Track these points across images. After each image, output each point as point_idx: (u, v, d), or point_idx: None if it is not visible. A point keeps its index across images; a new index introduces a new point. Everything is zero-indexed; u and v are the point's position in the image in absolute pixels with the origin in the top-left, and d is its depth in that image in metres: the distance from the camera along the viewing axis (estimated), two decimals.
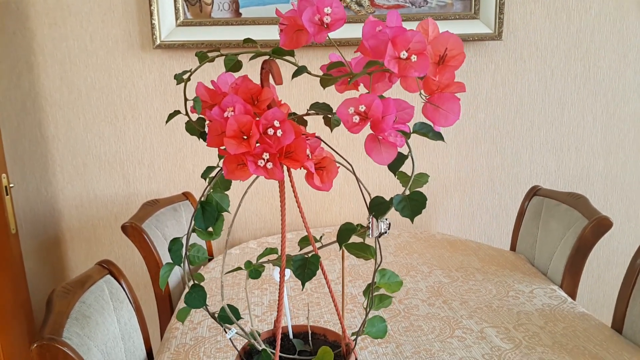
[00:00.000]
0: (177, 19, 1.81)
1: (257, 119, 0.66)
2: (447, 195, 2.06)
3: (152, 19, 1.78)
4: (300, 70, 0.67)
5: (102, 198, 1.97)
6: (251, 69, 1.62)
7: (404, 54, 0.54)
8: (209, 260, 1.87)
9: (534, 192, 1.75)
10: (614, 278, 2.17)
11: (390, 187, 2.03)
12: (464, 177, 2.04)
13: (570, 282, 1.46)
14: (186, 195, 1.86)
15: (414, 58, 0.54)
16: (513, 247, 1.82)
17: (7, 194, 1.67)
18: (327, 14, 0.57)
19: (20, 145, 1.89)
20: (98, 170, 1.94)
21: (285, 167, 0.73)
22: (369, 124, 0.62)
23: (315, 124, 1.72)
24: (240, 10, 1.81)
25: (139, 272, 2.04)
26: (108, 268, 1.15)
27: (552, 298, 1.36)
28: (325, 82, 0.68)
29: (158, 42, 1.81)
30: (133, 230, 1.48)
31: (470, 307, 1.32)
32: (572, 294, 1.46)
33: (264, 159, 0.65)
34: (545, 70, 1.96)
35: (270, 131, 0.65)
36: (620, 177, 2.08)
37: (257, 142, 0.66)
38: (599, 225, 1.40)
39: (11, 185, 1.72)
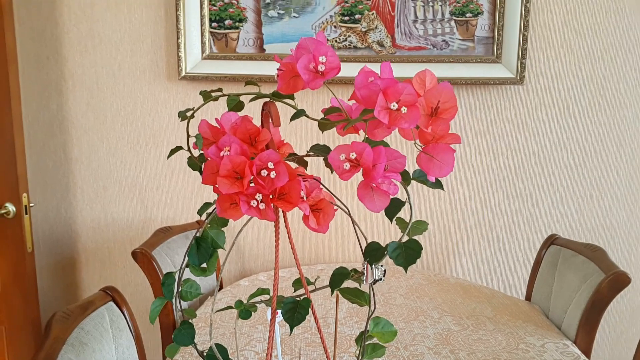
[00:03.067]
0: (203, 52, 1.86)
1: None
2: (464, 239, 2.02)
3: (179, 51, 1.84)
4: (298, 114, 0.68)
5: (119, 222, 2.00)
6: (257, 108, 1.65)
7: (394, 105, 0.54)
8: (219, 290, 1.86)
9: (551, 241, 1.70)
10: (636, 334, 2.07)
11: (394, 230, 1.99)
12: (482, 221, 2.01)
13: (585, 338, 1.40)
14: (199, 224, 1.87)
15: (404, 110, 0.54)
16: (529, 296, 1.76)
17: (26, 214, 1.71)
18: (322, 63, 0.58)
19: (44, 165, 1.95)
20: (117, 194, 1.98)
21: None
22: (361, 170, 0.62)
23: (318, 165, 1.73)
24: (265, 47, 1.85)
25: (151, 298, 2.05)
26: (111, 295, 1.16)
27: (564, 354, 1.31)
28: (323, 126, 0.68)
29: (183, 73, 1.86)
30: (142, 257, 1.49)
31: (477, 358, 1.28)
32: (587, 351, 1.40)
33: (257, 200, 0.66)
34: (567, 117, 1.93)
35: (264, 172, 0.65)
36: None
37: (251, 183, 0.66)
38: (616, 281, 1.35)
39: (31, 204, 1.76)
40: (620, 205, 1.99)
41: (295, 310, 0.72)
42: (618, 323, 2.08)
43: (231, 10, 1.82)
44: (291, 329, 0.71)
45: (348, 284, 0.76)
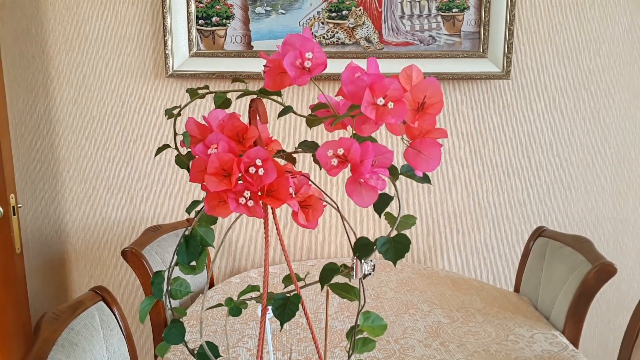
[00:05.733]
0: (190, 49, 1.85)
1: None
2: (453, 231, 2.04)
3: (166, 48, 1.83)
4: (286, 111, 0.68)
5: (109, 221, 1.99)
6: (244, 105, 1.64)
7: (380, 101, 0.54)
8: (210, 288, 1.86)
9: (539, 233, 1.72)
10: (623, 323, 2.10)
11: (383, 225, 2.01)
12: (470, 213, 2.02)
13: (573, 328, 1.42)
14: (189, 222, 1.87)
15: (390, 105, 0.54)
16: (517, 288, 1.78)
17: (14, 214, 1.70)
18: (309, 59, 0.58)
19: (32, 166, 1.93)
20: (106, 193, 1.97)
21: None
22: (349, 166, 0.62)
23: (306, 161, 1.73)
24: (252, 43, 1.84)
25: (142, 297, 2.04)
26: (101, 294, 1.15)
27: (553, 344, 1.32)
28: (310, 122, 0.69)
29: (171, 71, 1.85)
30: (132, 256, 1.49)
31: (467, 350, 1.29)
32: (575, 341, 1.42)
33: (245, 197, 0.66)
34: (553, 110, 1.95)
35: (252, 170, 0.65)
36: (630, 220, 2.03)
37: (240, 180, 0.67)
38: (603, 271, 1.37)
39: (19, 205, 1.75)
40: (606, 197, 2.01)
41: (286, 307, 0.73)
42: (605, 312, 2.11)
43: (218, 7, 1.82)
44: (281, 325, 0.71)
45: (338, 279, 0.77)
